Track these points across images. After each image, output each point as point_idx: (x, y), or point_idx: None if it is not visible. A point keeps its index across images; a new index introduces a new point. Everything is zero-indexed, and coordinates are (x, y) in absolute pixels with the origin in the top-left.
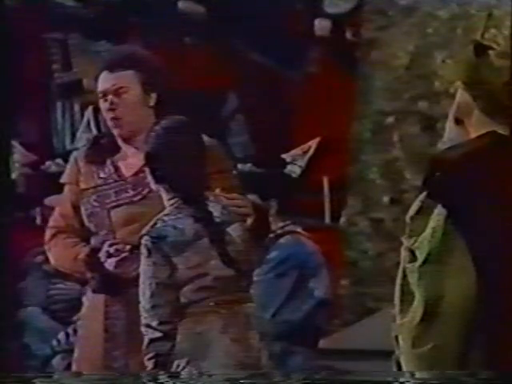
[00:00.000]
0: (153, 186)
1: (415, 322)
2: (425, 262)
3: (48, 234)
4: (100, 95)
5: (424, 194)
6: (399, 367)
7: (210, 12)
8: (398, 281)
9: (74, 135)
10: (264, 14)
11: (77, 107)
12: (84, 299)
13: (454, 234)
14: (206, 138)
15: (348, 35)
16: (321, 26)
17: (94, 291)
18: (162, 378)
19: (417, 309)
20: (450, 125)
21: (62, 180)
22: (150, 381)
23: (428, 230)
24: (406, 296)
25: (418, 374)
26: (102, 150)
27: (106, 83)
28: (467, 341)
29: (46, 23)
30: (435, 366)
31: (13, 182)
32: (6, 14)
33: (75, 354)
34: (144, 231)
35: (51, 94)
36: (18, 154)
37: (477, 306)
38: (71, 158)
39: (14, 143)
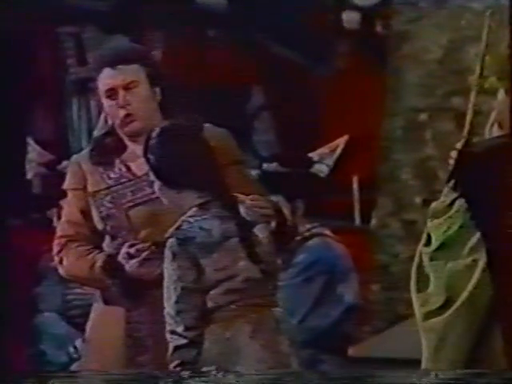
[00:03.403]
0: (166, 201)
1: (433, 306)
2: (438, 248)
3: (57, 244)
4: (107, 93)
5: (450, 183)
6: None
7: (232, 4)
8: (416, 259)
9: (90, 133)
10: (289, 6)
11: (93, 104)
12: (95, 305)
13: (470, 227)
14: (215, 128)
15: (378, 28)
16: (349, 18)
17: (105, 302)
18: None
19: (433, 291)
20: (493, 130)
21: (66, 186)
22: (177, 380)
23: (447, 220)
24: (422, 277)
25: (441, 375)
26: (107, 150)
27: (113, 79)
28: (480, 332)
29: (59, 17)
30: (445, 340)
31: (28, 182)
32: (18, 8)
33: (85, 363)
34: (169, 233)
35: (66, 91)
36: (34, 154)
37: (489, 300)
38: (72, 163)
39: (30, 142)
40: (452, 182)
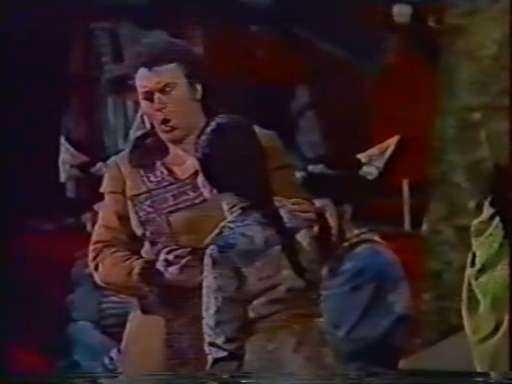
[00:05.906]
0: (207, 194)
1: (485, 332)
2: (481, 269)
3: (93, 250)
4: (143, 95)
5: (489, 198)
6: None
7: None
8: (465, 281)
9: (127, 134)
10: (336, 0)
11: (130, 103)
12: (132, 314)
13: (509, 246)
14: (263, 130)
15: (430, 22)
16: (400, 12)
17: (144, 311)
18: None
19: (483, 314)
20: None
21: (103, 189)
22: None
23: (488, 238)
24: (472, 299)
25: (493, 375)
26: (148, 151)
27: (148, 82)
28: None
29: (93, 12)
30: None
31: (62, 185)
32: (51, 3)
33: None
34: (209, 240)
35: (101, 89)
36: (67, 155)
37: None
38: (110, 165)
39: (63, 143)
40: (490, 195)
